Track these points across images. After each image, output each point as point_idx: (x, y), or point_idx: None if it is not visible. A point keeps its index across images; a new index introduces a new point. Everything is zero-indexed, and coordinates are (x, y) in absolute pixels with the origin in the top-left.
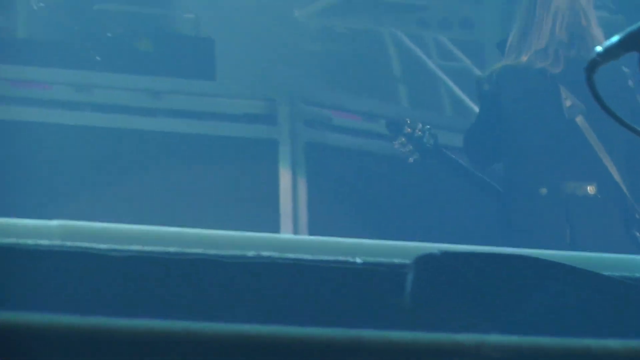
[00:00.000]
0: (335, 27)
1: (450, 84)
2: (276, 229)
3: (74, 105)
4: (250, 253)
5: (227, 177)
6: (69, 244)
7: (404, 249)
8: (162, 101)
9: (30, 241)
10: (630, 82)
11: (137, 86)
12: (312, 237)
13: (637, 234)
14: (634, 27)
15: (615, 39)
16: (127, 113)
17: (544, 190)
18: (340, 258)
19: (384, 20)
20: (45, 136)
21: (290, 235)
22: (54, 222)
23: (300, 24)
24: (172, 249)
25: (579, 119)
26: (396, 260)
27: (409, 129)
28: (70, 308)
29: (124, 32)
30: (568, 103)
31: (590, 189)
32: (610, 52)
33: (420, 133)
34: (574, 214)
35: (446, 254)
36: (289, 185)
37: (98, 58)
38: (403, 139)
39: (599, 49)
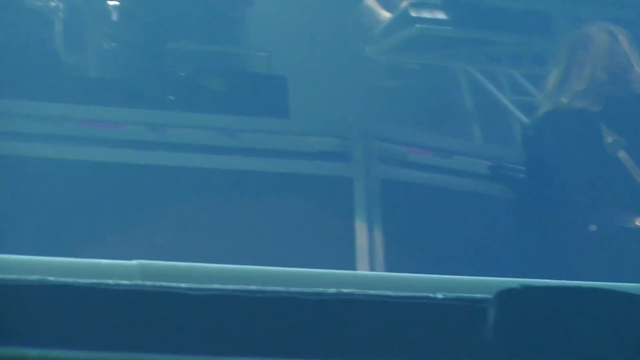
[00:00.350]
0: (407, 64)
1: (524, 119)
2: (352, 267)
3: (146, 144)
4: (331, 290)
5: (302, 215)
6: (149, 283)
7: (484, 283)
8: (236, 139)
9: (110, 281)
10: None
11: (210, 125)
12: (392, 274)
13: None
14: None
15: None
16: (200, 152)
17: (593, 227)
18: (421, 294)
19: (456, 55)
20: (118, 176)
21: (371, 272)
22: (134, 262)
23: (372, 60)
24: (252, 287)
25: (622, 154)
26: (477, 295)
27: (509, 172)
28: (151, 347)
29: (197, 70)
30: (609, 139)
31: (639, 222)
32: None
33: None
34: (625, 247)
35: (527, 288)
36: (364, 222)
37: (171, 97)
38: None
39: None
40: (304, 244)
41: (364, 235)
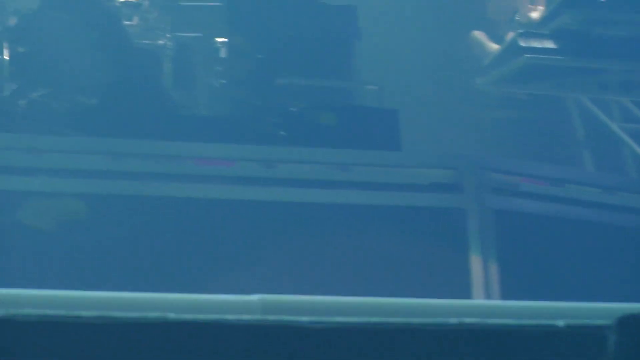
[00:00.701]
0: (516, 94)
1: (635, 146)
2: (468, 296)
3: (258, 180)
4: (453, 320)
5: (416, 246)
6: (270, 317)
7: (604, 310)
8: (348, 173)
9: (231, 317)
10: None
11: (322, 159)
12: (511, 302)
13: None
14: None
15: None
16: (312, 187)
17: None
18: (543, 321)
19: (565, 84)
20: (230, 213)
21: (491, 301)
22: (255, 297)
23: (481, 91)
24: (374, 319)
25: None
26: (598, 322)
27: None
28: None
29: (308, 105)
30: None
31: None
32: None
33: None
34: None
35: None
36: (479, 253)
37: (282, 132)
38: None
39: None
40: (420, 275)
41: (479, 265)
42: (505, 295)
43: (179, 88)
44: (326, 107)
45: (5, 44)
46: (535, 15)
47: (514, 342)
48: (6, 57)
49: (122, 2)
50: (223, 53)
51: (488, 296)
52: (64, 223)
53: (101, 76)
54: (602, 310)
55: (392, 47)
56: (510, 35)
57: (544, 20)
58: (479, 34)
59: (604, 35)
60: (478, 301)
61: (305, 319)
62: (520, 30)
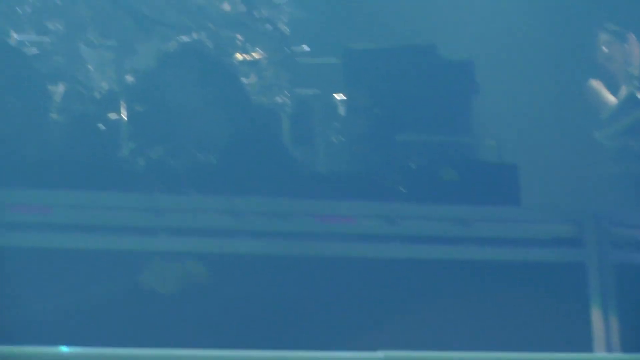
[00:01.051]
0: (635, 147)
1: None
2: (590, 350)
3: (380, 237)
4: None
5: (538, 301)
6: None
7: None
8: (470, 229)
9: None
10: None
11: (443, 215)
12: (633, 355)
13: None
14: None
15: None
16: (434, 243)
17: None
18: None
19: None
20: (352, 270)
21: (613, 354)
22: (380, 353)
23: (600, 145)
24: None
25: None
26: None
27: None
28: None
29: (427, 161)
30: None
31: None
32: None
33: None
34: None
35: None
36: (599, 307)
37: (402, 189)
38: None
39: None
40: (542, 329)
41: (599, 319)
42: (626, 349)
43: (298, 145)
44: (445, 163)
45: (123, 103)
46: None
47: None
48: (124, 117)
49: (239, 60)
50: (341, 110)
51: (610, 349)
52: (186, 283)
53: (220, 134)
54: None
55: (510, 101)
56: (626, 88)
57: None
58: (596, 84)
59: None
60: (600, 354)
61: None
62: (637, 83)
